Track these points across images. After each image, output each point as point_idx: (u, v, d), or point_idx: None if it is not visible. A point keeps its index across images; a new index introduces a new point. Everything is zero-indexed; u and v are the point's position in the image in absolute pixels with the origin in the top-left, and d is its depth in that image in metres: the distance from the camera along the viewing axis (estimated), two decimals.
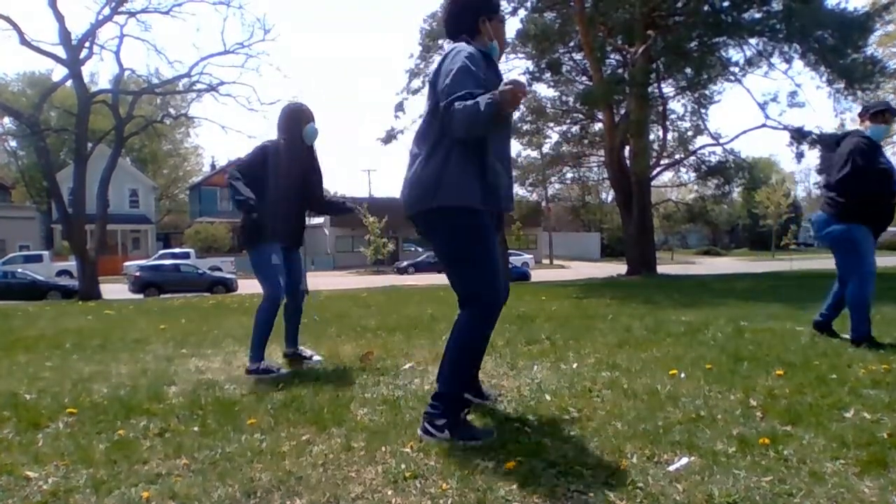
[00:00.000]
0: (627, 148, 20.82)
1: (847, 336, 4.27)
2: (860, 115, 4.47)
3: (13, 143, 38.90)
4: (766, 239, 53.99)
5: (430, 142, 2.49)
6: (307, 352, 4.25)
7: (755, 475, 1.98)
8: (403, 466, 2.13)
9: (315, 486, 1.99)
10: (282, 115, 3.93)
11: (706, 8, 18.93)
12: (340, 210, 4.38)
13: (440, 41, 20.32)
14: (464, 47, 2.48)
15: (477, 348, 2.56)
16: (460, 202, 2.43)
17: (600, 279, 19.11)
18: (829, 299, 4.56)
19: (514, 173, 27.39)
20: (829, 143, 4.46)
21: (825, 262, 4.53)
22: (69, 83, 18.41)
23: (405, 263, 35.27)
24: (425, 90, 2.86)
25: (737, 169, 22.96)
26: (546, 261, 42.13)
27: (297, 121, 3.90)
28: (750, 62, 19.65)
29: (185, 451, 2.36)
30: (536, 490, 1.92)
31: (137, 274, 22.76)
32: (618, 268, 24.62)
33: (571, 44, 21.32)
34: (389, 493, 1.94)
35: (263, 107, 33.13)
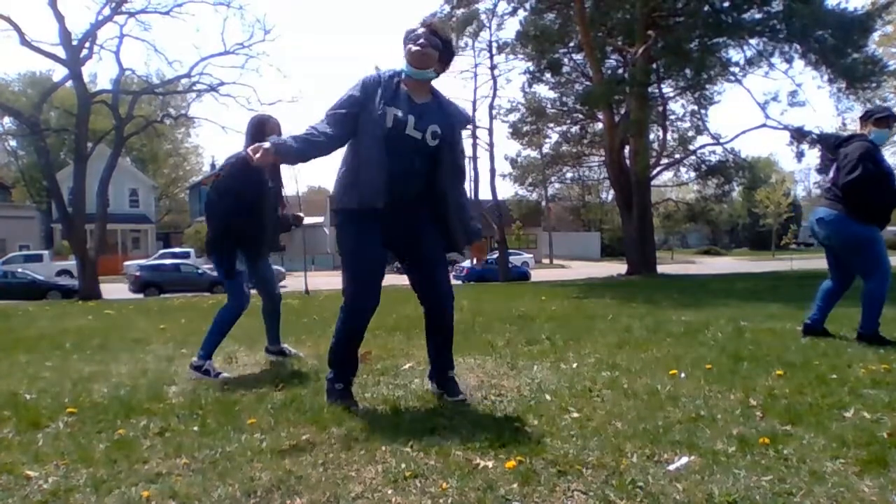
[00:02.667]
0: (627, 148, 20.82)
1: (848, 335, 4.27)
2: (862, 118, 4.44)
3: (13, 143, 38.87)
4: (766, 239, 53.97)
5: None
6: (289, 349, 4.44)
7: (755, 474, 1.98)
8: (403, 466, 2.13)
9: (315, 485, 1.99)
10: (249, 126, 4.01)
11: (706, 8, 18.93)
12: (286, 228, 4.42)
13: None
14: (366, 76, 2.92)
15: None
16: (337, 205, 2.89)
17: (600, 279, 19.11)
18: (819, 301, 4.49)
19: (514, 173, 27.31)
20: (829, 143, 4.43)
21: (825, 261, 4.54)
22: (69, 83, 18.41)
23: None
24: None
25: (737, 168, 22.97)
26: (546, 260, 42.10)
27: (262, 132, 3.85)
28: (750, 62, 19.64)
29: (185, 450, 2.36)
30: (536, 490, 1.92)
31: (137, 274, 22.73)
32: (618, 268, 24.60)
33: (571, 44, 21.33)
34: (389, 492, 1.94)
35: (263, 107, 33.02)
